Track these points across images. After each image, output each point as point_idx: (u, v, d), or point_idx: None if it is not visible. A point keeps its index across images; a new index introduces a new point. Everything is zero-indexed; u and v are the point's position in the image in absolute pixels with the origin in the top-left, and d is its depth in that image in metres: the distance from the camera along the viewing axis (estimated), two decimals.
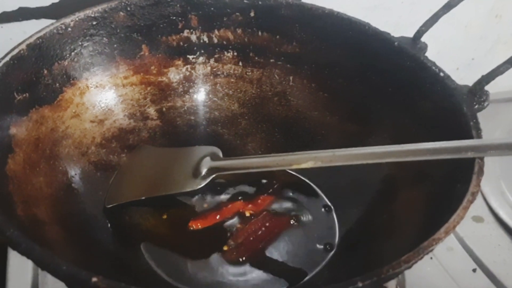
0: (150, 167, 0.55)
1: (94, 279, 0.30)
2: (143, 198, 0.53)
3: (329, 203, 0.57)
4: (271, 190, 0.57)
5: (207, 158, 0.53)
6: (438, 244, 0.35)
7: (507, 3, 0.79)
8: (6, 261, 0.52)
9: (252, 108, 0.61)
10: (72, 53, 0.52)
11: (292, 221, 0.54)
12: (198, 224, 0.53)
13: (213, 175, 0.51)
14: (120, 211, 0.52)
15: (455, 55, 0.81)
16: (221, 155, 0.54)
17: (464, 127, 0.44)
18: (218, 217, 0.54)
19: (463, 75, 0.51)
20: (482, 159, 0.40)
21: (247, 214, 0.54)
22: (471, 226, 0.59)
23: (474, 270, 0.55)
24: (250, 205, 0.55)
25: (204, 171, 0.52)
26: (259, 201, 0.55)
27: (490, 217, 0.61)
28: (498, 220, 0.61)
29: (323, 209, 0.56)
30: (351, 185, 0.54)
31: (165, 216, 0.54)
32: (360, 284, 0.31)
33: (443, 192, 0.43)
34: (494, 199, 0.62)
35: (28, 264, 0.52)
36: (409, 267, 0.34)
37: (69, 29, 0.51)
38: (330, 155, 0.45)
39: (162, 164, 0.55)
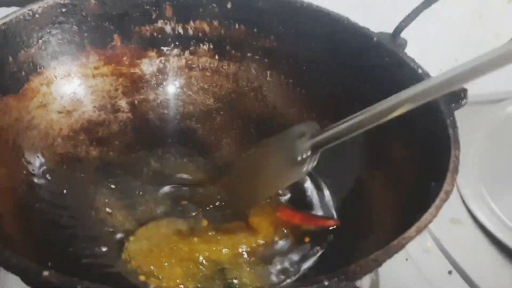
0: (253, 175, 0.52)
1: (45, 273, 0.29)
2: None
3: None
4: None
5: (303, 139, 0.46)
6: (409, 243, 0.34)
7: (491, 4, 0.78)
8: None
9: (228, 103, 0.60)
10: (40, 41, 0.50)
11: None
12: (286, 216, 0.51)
13: (317, 153, 0.46)
14: None
15: (438, 56, 0.80)
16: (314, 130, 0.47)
17: (441, 124, 0.43)
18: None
19: None
20: (457, 157, 0.40)
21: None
22: (448, 228, 0.59)
23: (450, 272, 0.55)
24: (289, 213, 0.51)
25: (304, 154, 0.46)
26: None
27: (468, 219, 0.61)
28: (476, 222, 0.60)
29: None
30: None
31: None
32: (326, 283, 0.30)
33: (417, 190, 0.42)
34: (472, 201, 0.61)
35: None
36: (379, 266, 0.33)
37: (37, 15, 0.49)
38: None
39: (261, 167, 0.51)
